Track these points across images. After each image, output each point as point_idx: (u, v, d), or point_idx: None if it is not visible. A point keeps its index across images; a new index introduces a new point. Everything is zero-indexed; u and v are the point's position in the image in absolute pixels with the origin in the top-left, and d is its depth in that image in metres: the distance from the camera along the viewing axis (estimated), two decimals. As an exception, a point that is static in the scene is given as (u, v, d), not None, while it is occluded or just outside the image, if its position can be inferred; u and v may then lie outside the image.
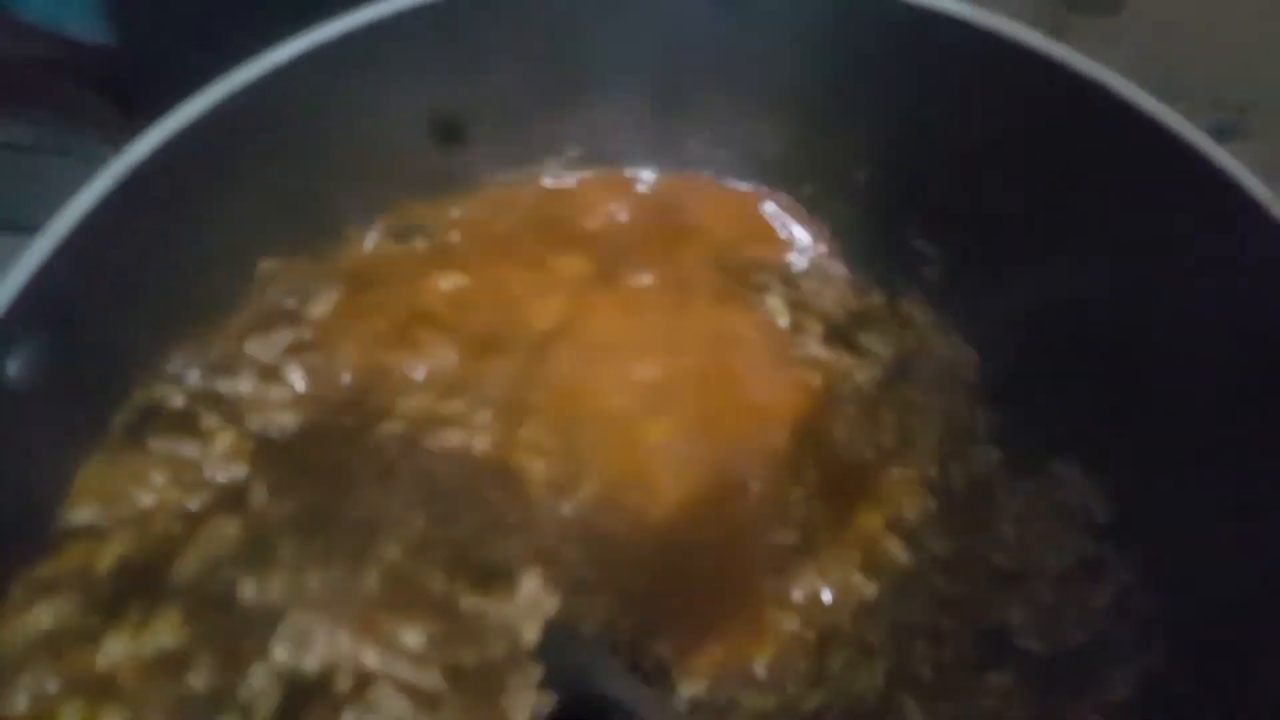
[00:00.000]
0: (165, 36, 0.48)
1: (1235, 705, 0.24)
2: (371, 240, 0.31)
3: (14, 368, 0.21)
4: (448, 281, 0.31)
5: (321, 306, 0.29)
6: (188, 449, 0.26)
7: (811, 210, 0.34)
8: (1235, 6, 0.43)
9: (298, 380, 0.28)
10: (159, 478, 0.26)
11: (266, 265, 0.29)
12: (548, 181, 0.33)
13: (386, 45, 0.26)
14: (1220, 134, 0.49)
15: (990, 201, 0.30)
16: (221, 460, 0.26)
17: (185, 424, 0.26)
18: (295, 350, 0.28)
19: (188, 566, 0.24)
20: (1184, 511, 0.26)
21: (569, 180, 0.33)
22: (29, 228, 0.41)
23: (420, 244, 0.31)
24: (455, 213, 0.32)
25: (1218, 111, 0.48)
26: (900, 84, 0.29)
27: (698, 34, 0.29)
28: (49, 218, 0.42)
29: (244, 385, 0.27)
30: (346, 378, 0.29)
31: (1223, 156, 0.26)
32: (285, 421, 0.27)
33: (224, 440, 0.26)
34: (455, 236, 0.32)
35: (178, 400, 0.27)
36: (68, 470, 0.24)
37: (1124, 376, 0.28)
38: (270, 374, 0.28)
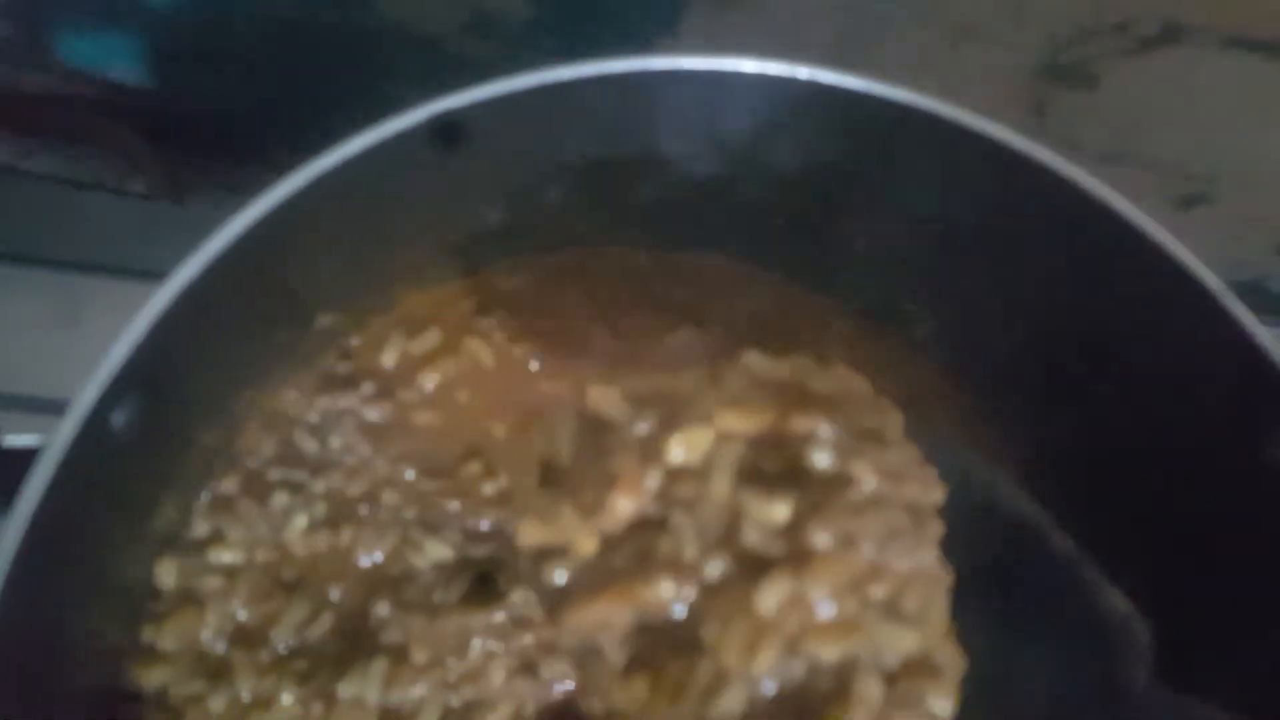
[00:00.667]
0: (200, 83, 0.51)
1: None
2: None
3: (119, 421, 0.24)
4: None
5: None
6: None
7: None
8: (1202, 83, 0.45)
9: None
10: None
11: (324, 320, 0.33)
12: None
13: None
14: (1188, 202, 0.53)
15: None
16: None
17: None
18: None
19: None
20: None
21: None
22: (64, 262, 0.44)
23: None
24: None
25: (1187, 180, 0.52)
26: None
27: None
28: (85, 251, 0.45)
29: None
30: None
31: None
32: None
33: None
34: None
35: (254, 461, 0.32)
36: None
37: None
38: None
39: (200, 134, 0.53)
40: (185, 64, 0.51)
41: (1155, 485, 0.29)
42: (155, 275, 0.24)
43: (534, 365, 0.34)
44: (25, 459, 0.23)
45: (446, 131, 0.27)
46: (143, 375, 0.24)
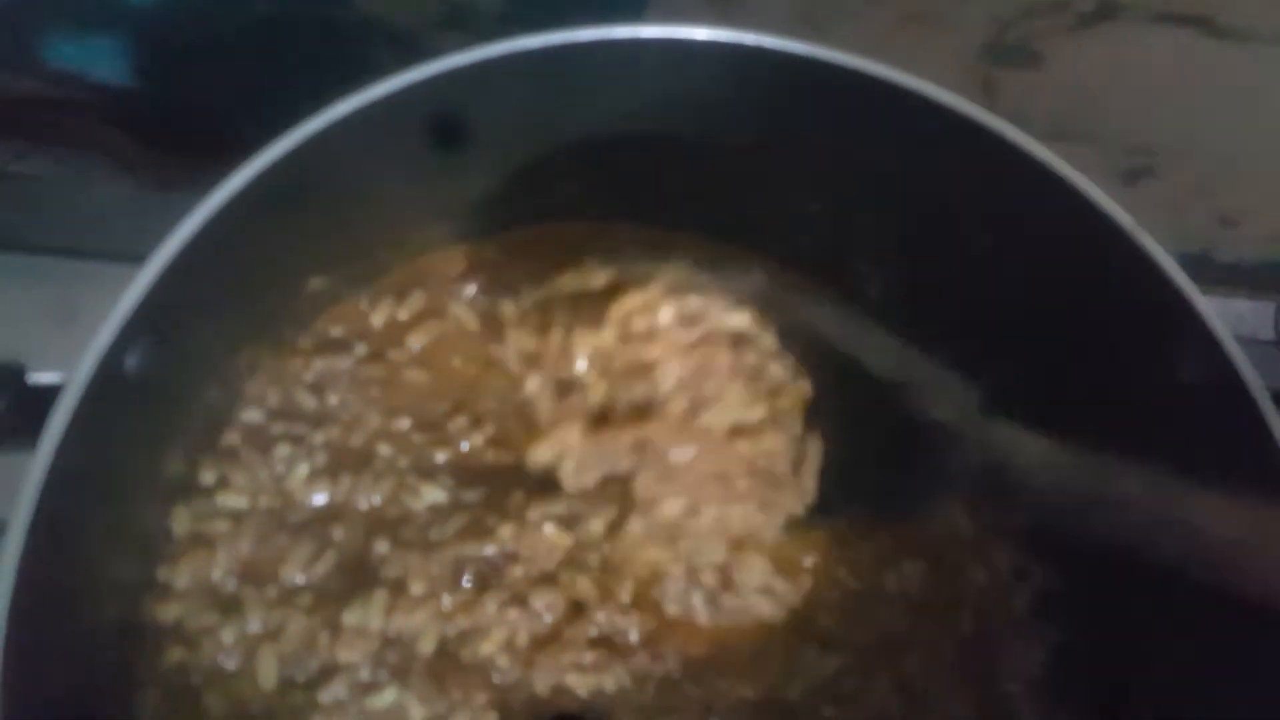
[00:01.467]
0: (184, 81, 0.53)
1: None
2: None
3: (132, 363, 0.26)
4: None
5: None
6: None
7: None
8: (1138, 59, 0.47)
9: None
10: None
11: (315, 283, 0.35)
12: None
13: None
14: (1133, 175, 0.55)
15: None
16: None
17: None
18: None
19: None
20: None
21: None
22: (50, 249, 0.46)
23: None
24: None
25: (1129, 155, 0.54)
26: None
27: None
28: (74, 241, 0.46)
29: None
30: None
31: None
32: None
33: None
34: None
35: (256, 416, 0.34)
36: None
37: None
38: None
39: (186, 132, 0.55)
40: (169, 64, 0.52)
41: (1090, 410, 0.32)
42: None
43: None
44: (49, 395, 0.24)
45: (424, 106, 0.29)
46: (151, 322, 0.26)
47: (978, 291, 0.36)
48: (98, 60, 0.52)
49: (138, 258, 0.26)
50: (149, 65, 0.52)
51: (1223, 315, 0.61)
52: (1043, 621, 0.35)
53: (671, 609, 0.33)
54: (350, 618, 0.31)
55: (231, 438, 0.34)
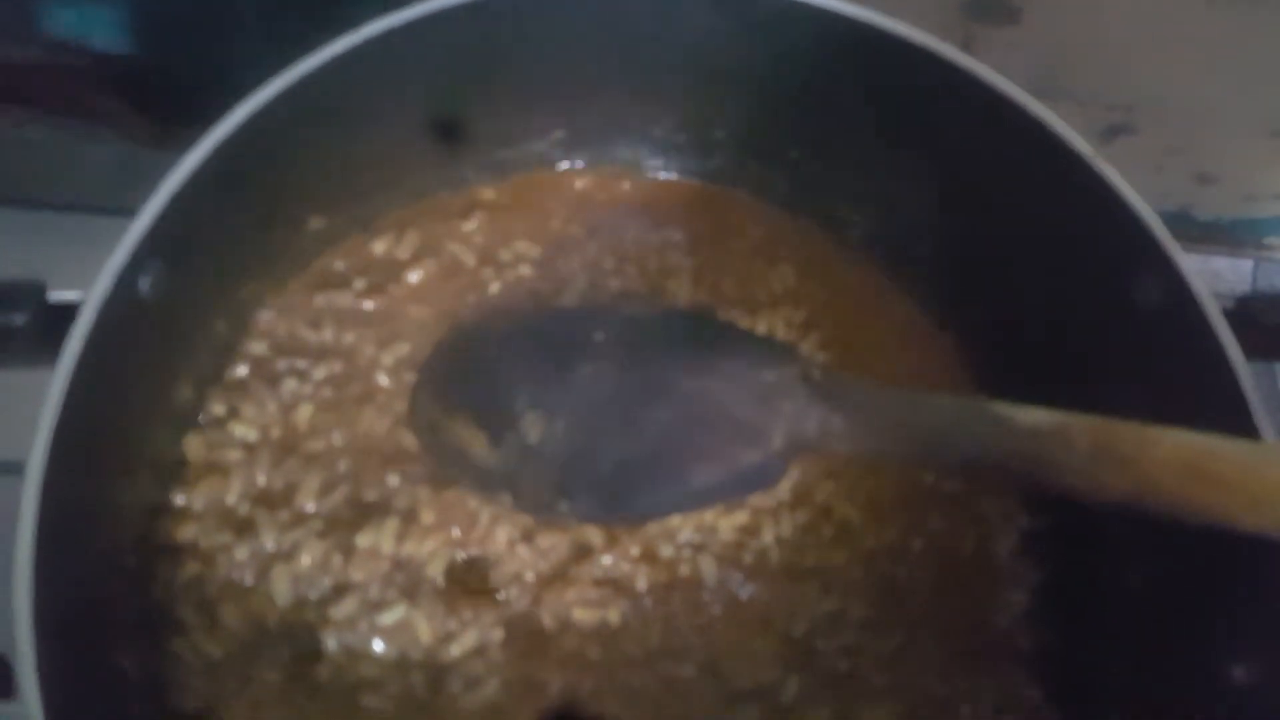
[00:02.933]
0: (183, 48, 0.54)
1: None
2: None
3: (144, 285, 0.27)
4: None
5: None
6: None
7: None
8: (1120, 17, 0.48)
9: None
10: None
11: (315, 222, 0.36)
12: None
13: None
14: (1111, 132, 0.56)
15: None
16: None
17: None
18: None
19: None
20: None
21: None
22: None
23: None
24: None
25: (1108, 111, 0.55)
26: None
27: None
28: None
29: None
30: None
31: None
32: None
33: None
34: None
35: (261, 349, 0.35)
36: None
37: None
38: None
39: (184, 99, 0.55)
40: (167, 31, 0.53)
41: (1049, 334, 0.34)
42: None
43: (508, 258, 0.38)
44: (68, 313, 0.26)
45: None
46: (162, 247, 0.27)
47: (950, 232, 0.37)
48: (96, 28, 0.53)
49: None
50: (147, 32, 0.53)
51: (1201, 273, 0.63)
52: (1025, 562, 0.37)
53: (683, 570, 0.34)
54: (363, 540, 0.32)
55: (239, 370, 0.35)
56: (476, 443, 0.33)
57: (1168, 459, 0.24)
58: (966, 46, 0.51)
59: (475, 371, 0.34)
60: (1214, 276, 0.61)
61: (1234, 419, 0.28)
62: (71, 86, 0.55)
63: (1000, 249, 0.36)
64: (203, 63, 0.54)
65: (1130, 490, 0.25)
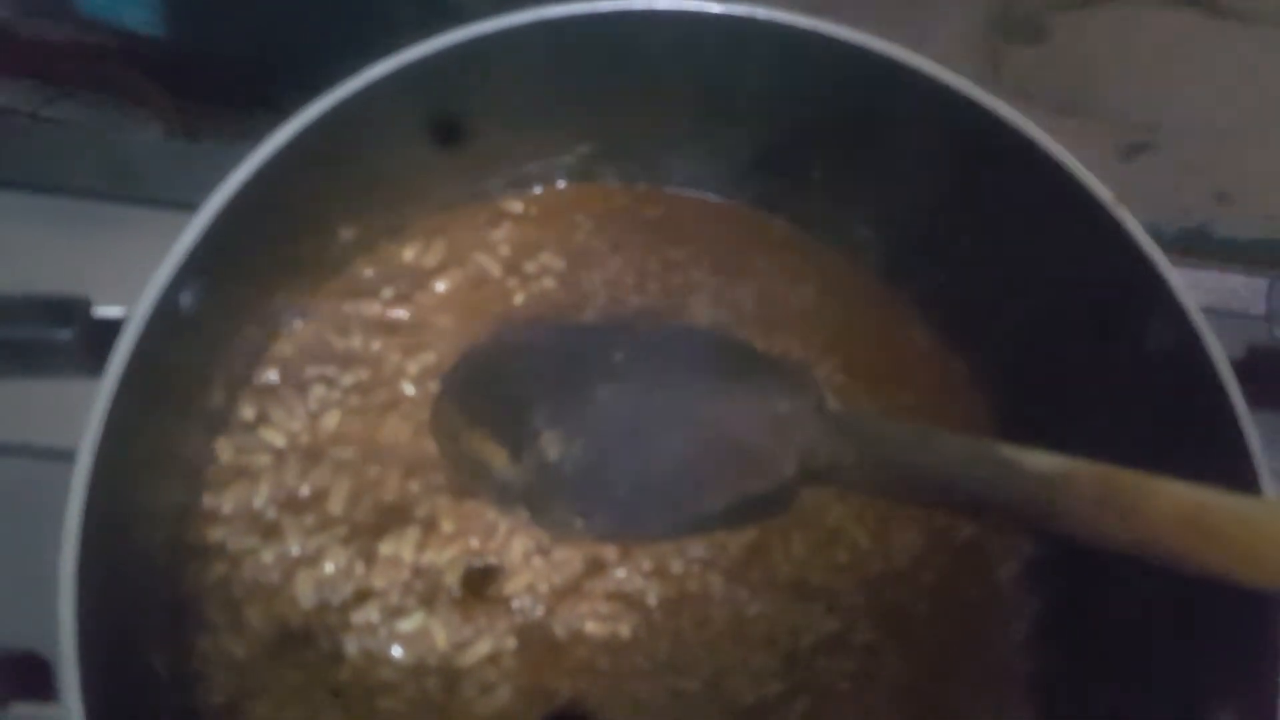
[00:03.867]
0: (213, 30, 0.54)
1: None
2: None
3: (185, 300, 0.28)
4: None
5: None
6: None
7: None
8: (1144, 37, 0.48)
9: None
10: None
11: (346, 232, 0.37)
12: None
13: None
14: (1132, 150, 0.56)
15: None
16: None
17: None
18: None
19: None
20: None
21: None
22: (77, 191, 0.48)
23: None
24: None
25: (1130, 130, 0.55)
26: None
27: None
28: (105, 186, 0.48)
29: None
30: None
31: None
32: None
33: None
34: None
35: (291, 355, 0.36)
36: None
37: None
38: None
39: (213, 82, 0.56)
40: (199, 14, 0.54)
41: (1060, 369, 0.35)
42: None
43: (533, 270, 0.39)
44: (112, 328, 0.27)
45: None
46: (204, 263, 0.28)
47: (965, 263, 0.38)
48: (129, 9, 0.53)
49: (169, 203, 0.28)
50: (180, 15, 0.53)
51: (1217, 290, 0.63)
52: (1026, 590, 0.38)
53: (692, 586, 0.35)
54: (385, 548, 0.33)
55: (269, 376, 0.36)
56: (497, 457, 0.34)
57: (1168, 511, 0.25)
58: (994, 64, 0.52)
59: (497, 385, 0.35)
60: (1230, 294, 0.61)
61: (1236, 468, 0.29)
62: (103, 67, 0.55)
63: (1014, 283, 0.37)
64: (234, 51, 0.55)
65: (1131, 540, 0.26)
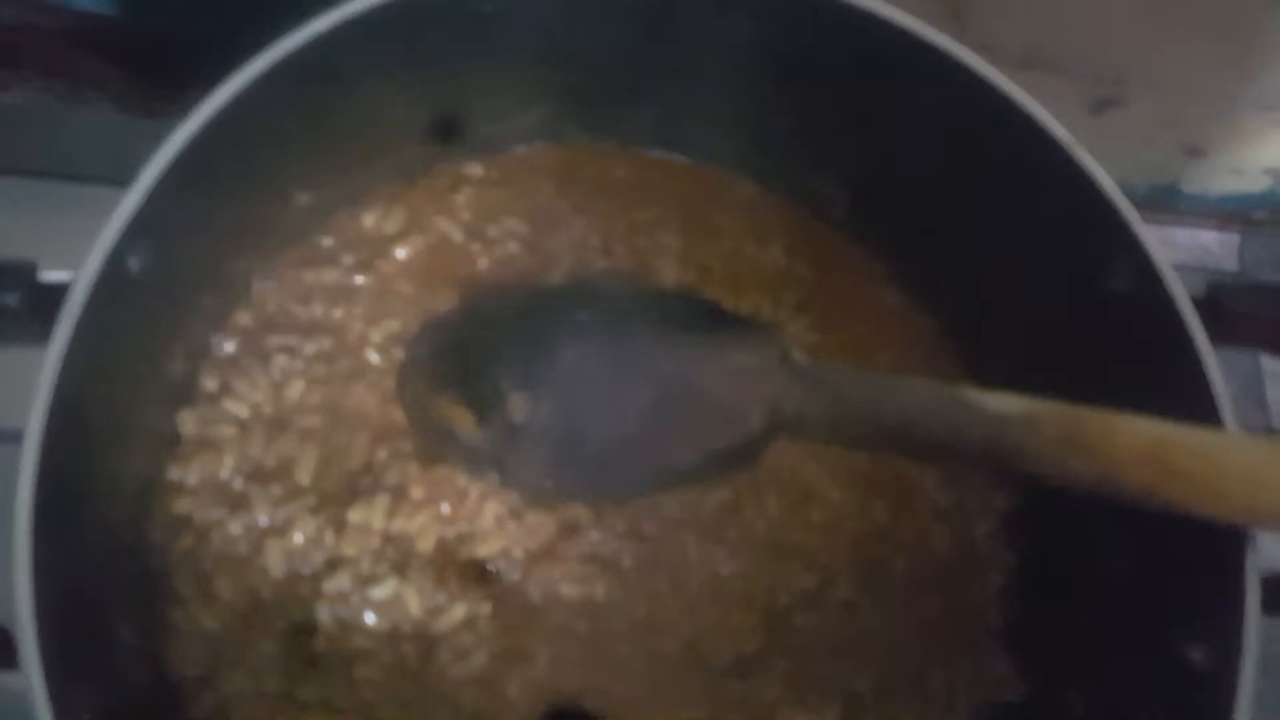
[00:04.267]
0: (168, 12, 0.53)
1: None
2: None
3: (134, 263, 0.28)
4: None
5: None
6: None
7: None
8: None
9: None
10: None
11: (302, 198, 0.36)
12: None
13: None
14: (1099, 105, 0.56)
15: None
16: None
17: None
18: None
19: None
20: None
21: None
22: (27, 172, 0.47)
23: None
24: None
25: (1098, 84, 0.55)
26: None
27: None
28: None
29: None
30: None
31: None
32: None
33: None
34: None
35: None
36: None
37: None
38: None
39: (169, 62, 0.55)
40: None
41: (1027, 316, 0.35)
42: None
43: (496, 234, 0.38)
44: (58, 293, 0.26)
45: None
46: (151, 223, 0.27)
47: (930, 212, 0.38)
48: (81, -10, 0.52)
49: (121, 182, 0.27)
50: (131, -5, 0.52)
51: (1189, 247, 0.63)
52: (1001, 544, 0.38)
53: (667, 547, 0.35)
54: (354, 516, 0.33)
55: (230, 347, 0.35)
56: (464, 421, 0.33)
57: (1130, 447, 0.25)
58: (956, 18, 0.52)
59: (462, 350, 0.35)
60: (1203, 251, 0.61)
61: (1200, 404, 0.29)
62: (56, 49, 0.54)
63: (979, 230, 0.37)
64: (189, 28, 0.54)
65: (1094, 477, 0.26)
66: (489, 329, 0.35)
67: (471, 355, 0.35)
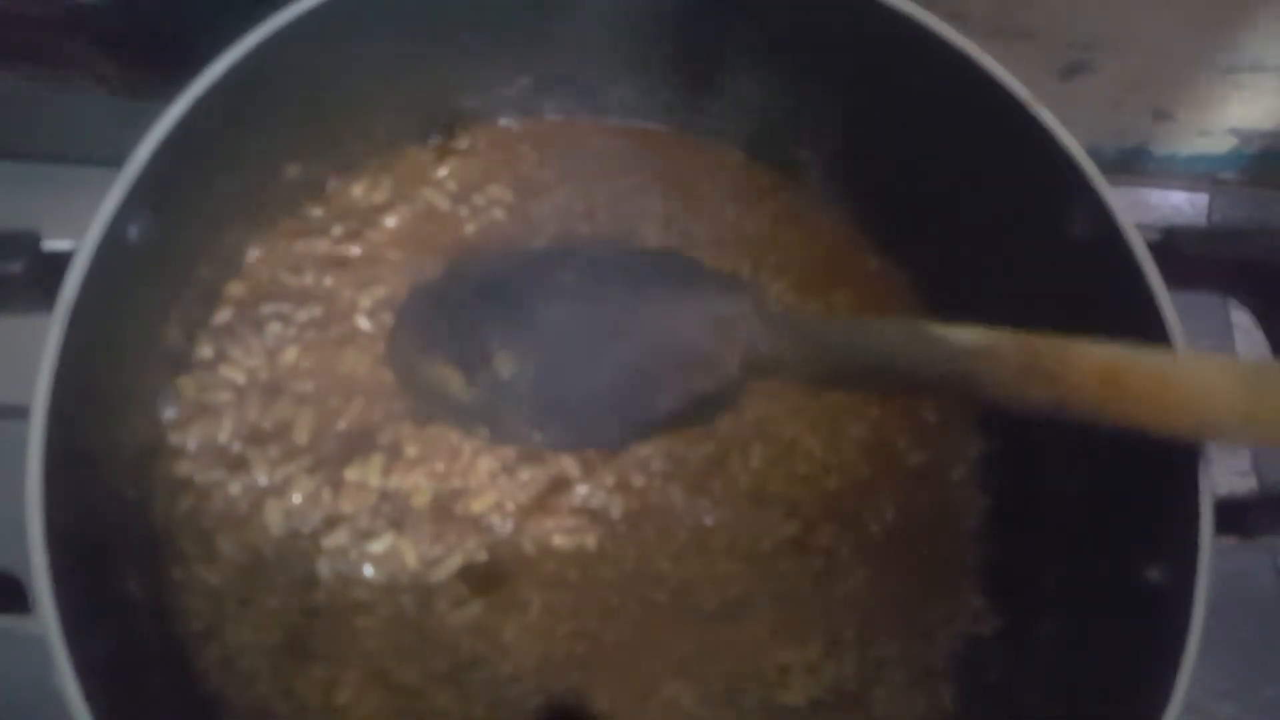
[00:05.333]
0: None
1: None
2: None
3: (133, 232, 0.29)
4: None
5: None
6: None
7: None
8: None
9: None
10: None
11: (292, 170, 0.37)
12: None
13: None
14: (1069, 70, 0.57)
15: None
16: None
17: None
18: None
19: None
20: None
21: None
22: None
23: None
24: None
25: (1067, 49, 0.55)
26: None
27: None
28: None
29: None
30: None
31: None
32: None
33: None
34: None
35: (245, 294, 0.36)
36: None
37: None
38: None
39: (159, 47, 0.56)
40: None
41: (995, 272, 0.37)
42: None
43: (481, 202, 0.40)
44: (61, 262, 0.27)
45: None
46: (149, 194, 0.29)
47: (898, 172, 0.39)
48: (69, -26, 0.53)
49: (118, 162, 0.28)
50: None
51: (1160, 208, 0.64)
52: (976, 487, 0.39)
53: (654, 498, 0.36)
54: (350, 474, 0.34)
55: (225, 315, 0.36)
56: (453, 381, 0.35)
57: (1085, 370, 0.27)
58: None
59: (449, 313, 0.36)
60: (1173, 211, 0.62)
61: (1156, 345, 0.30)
62: (43, 35, 0.55)
63: (946, 188, 0.38)
64: (176, 11, 0.54)
65: (1054, 402, 0.27)
66: (475, 291, 0.36)
67: (459, 317, 0.36)
